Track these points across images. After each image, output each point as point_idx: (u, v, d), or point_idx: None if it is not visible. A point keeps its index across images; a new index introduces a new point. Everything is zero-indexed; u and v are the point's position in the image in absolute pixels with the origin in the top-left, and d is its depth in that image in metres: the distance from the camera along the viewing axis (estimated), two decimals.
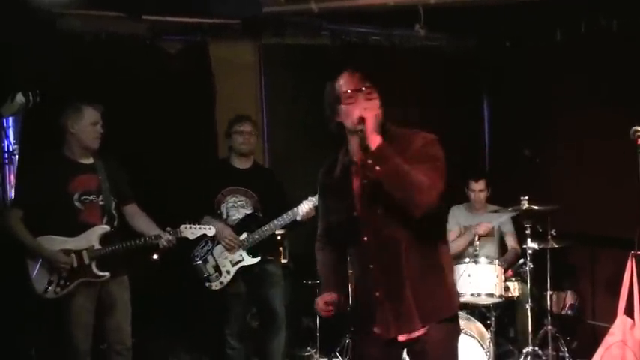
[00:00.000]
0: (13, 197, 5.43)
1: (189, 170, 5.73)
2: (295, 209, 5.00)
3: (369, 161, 2.93)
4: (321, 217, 3.42)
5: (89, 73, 5.50)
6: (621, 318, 3.84)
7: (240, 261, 5.12)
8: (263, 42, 6.46)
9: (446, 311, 3.15)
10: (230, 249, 5.09)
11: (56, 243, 4.48)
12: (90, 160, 4.63)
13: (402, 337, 3.12)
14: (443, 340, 3.13)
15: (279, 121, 6.54)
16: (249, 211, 5.19)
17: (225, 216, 5.18)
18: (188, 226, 4.72)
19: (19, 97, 5.22)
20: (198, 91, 6.16)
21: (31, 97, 5.22)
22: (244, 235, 5.12)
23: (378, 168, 2.92)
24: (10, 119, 5.67)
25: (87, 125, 4.54)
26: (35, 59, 4.97)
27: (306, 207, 4.97)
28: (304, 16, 6.07)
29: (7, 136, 5.56)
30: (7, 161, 5.59)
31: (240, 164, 5.29)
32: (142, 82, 5.77)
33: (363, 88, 3.05)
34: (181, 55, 6.15)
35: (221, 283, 5.12)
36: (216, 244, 5.14)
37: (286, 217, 5.03)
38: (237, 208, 5.20)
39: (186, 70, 6.11)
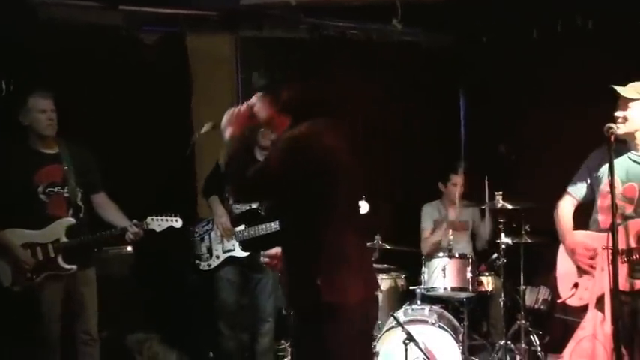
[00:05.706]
0: None
1: (163, 161, 5.69)
2: None
3: None
4: None
5: (65, 62, 5.42)
6: (592, 312, 3.87)
7: (230, 250, 5.21)
8: (240, 34, 6.43)
9: (310, 304, 3.19)
10: (222, 235, 5.17)
11: (21, 237, 4.41)
12: (54, 150, 4.56)
13: None
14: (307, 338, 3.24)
15: None
16: (254, 205, 5.18)
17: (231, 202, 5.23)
18: (155, 217, 4.64)
19: None
20: (174, 83, 6.11)
21: (3, 86, 5.15)
22: (241, 227, 5.11)
23: None
24: None
25: (35, 114, 4.45)
26: (10, 46, 4.90)
27: None
28: (282, 8, 6.06)
29: None
30: None
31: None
32: (117, 72, 5.70)
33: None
34: (158, 47, 6.10)
35: (209, 265, 5.23)
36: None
37: None
38: None
39: (162, 62, 6.07)
